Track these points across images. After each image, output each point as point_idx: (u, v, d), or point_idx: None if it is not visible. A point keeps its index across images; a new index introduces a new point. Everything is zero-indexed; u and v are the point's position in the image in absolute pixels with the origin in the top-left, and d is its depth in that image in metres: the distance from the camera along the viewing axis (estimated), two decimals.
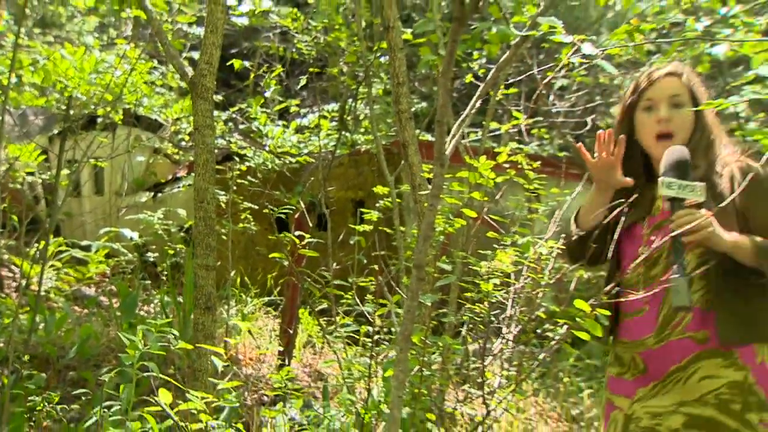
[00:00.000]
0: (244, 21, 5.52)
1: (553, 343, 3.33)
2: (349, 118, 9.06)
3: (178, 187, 10.18)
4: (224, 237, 6.19)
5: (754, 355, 2.39)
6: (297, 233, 3.88)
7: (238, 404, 3.55)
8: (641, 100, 2.63)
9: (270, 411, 2.79)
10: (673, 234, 2.33)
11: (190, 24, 7.44)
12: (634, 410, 2.55)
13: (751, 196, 2.42)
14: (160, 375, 2.54)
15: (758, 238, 2.38)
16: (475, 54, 5.96)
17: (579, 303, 2.88)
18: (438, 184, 2.58)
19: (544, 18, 2.98)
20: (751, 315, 2.42)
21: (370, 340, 3.50)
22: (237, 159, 7.95)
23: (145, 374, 2.58)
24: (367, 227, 3.79)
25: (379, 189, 4.43)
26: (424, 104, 10.54)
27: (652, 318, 2.52)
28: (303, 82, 7.02)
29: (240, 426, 2.36)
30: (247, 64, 6.24)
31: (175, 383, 2.56)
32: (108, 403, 2.79)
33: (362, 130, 8.36)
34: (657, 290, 2.42)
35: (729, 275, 2.41)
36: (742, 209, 2.45)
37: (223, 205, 6.33)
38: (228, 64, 5.96)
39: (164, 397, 2.30)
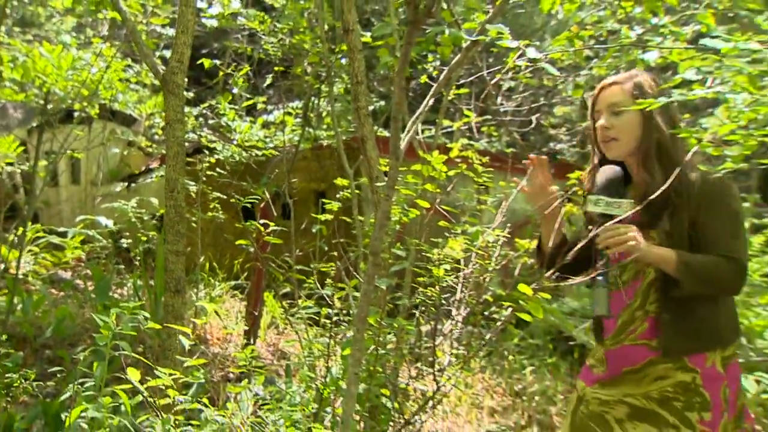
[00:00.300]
0: (213, 23, 5.46)
1: (498, 324, 3.34)
2: (312, 115, 9.04)
3: (151, 177, 10.07)
4: (194, 225, 6.15)
5: (704, 359, 2.41)
6: (262, 221, 3.86)
7: (204, 380, 3.53)
8: (594, 111, 2.64)
9: (235, 387, 2.76)
10: (599, 247, 2.37)
11: (163, 26, 7.37)
12: (586, 393, 2.58)
13: (704, 211, 2.42)
14: (132, 354, 2.51)
15: (683, 253, 2.37)
16: (430, 57, 5.96)
17: (522, 287, 2.90)
18: (393, 176, 2.57)
19: (493, 24, 2.98)
20: (694, 326, 2.42)
21: (329, 321, 3.49)
22: (207, 152, 7.91)
23: (118, 353, 2.55)
24: (329, 216, 3.77)
25: (340, 181, 4.41)
26: (382, 103, 10.53)
27: (615, 321, 2.54)
28: (269, 81, 6.97)
29: (206, 401, 2.34)
30: (216, 63, 6.18)
31: (146, 361, 2.53)
32: (82, 380, 2.75)
33: (324, 126, 8.34)
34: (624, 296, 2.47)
35: (673, 286, 2.41)
36: (693, 219, 2.43)
37: (193, 195, 6.30)
38: (198, 63, 5.91)
39: (134, 374, 2.27)
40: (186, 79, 7.16)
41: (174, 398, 2.25)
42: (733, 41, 2.49)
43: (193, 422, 2.21)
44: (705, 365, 2.40)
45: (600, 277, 2.38)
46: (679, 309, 2.43)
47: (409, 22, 2.54)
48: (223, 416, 2.30)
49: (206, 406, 2.29)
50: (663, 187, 2.38)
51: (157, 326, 2.66)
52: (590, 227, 2.50)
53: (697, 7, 4.19)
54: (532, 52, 2.82)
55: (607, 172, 2.51)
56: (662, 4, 4.22)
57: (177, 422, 2.22)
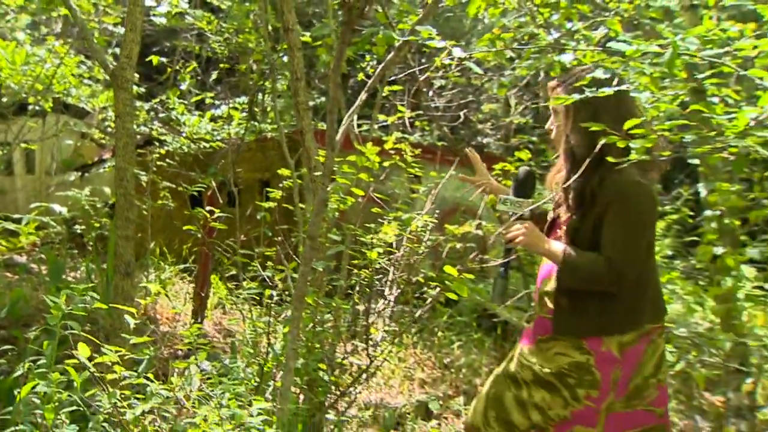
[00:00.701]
0: (162, 21, 5.36)
1: (427, 303, 3.37)
2: (257, 109, 8.96)
3: (104, 167, 9.86)
4: (144, 212, 6.05)
5: (600, 343, 2.47)
6: (208, 208, 3.81)
7: (153, 357, 3.49)
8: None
9: (181, 362, 2.73)
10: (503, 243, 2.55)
11: (115, 24, 7.22)
12: (515, 354, 2.67)
13: (610, 212, 2.46)
14: (81, 333, 2.46)
15: (570, 253, 2.46)
16: (367, 57, 5.94)
17: (448, 269, 2.92)
18: (329, 166, 2.57)
19: (423, 26, 2.99)
20: (584, 312, 2.50)
21: (271, 301, 3.47)
22: (157, 144, 7.79)
23: (68, 332, 2.50)
24: (272, 204, 3.74)
25: (282, 171, 4.37)
26: (322, 99, 10.45)
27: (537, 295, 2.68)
28: (214, 77, 6.90)
29: (151, 375, 2.30)
30: (165, 60, 6.09)
31: (94, 339, 2.48)
32: (34, 357, 2.70)
33: (269, 120, 8.28)
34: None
35: None
36: (600, 217, 2.48)
37: (144, 185, 6.20)
38: (147, 60, 5.81)
39: (83, 351, 2.23)
40: (137, 75, 7.06)
41: (120, 374, 2.21)
42: (636, 44, 2.54)
43: (138, 396, 2.18)
44: (600, 349, 2.47)
45: (501, 269, 2.52)
46: (573, 295, 2.52)
47: (343, 23, 2.54)
48: (168, 390, 2.27)
49: (151, 380, 2.25)
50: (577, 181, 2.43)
51: (103, 306, 2.61)
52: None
53: (606, 14, 4.26)
54: (458, 52, 2.83)
55: (520, 173, 2.61)
56: (576, 12, 4.30)
57: (123, 396, 2.19)
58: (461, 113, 7.88)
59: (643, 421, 2.51)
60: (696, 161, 4.31)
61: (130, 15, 3.90)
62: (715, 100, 2.84)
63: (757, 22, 2.70)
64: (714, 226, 4.58)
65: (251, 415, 2.27)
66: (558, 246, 2.49)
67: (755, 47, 2.45)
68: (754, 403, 4.28)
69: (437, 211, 3.76)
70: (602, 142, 2.43)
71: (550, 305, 2.57)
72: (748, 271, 5.78)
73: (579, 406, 2.46)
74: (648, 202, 2.51)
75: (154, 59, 5.74)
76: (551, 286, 2.58)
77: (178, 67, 6.54)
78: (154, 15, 5.33)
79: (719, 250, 4.52)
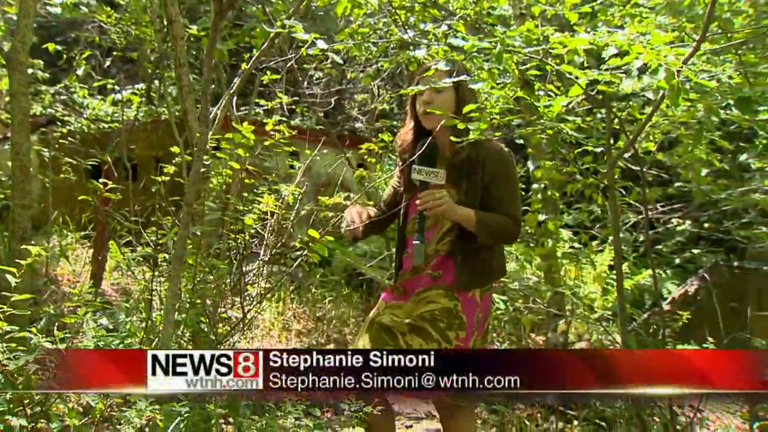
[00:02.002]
0: (57, 11, 5.03)
1: (296, 262, 3.33)
2: (154, 94, 8.64)
3: (8, 144, 9.26)
4: (47, 185, 5.76)
5: (467, 291, 2.52)
6: (102, 181, 3.63)
7: (50, 313, 3.32)
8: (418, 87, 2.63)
9: (70, 317, 2.59)
10: (419, 209, 2.46)
11: (16, 14, 6.76)
12: (383, 310, 2.61)
13: (494, 176, 2.53)
14: None
15: (481, 213, 2.48)
16: (255, 51, 5.80)
17: (311, 231, 2.91)
18: (203, 140, 2.49)
19: (290, 21, 2.93)
20: (479, 266, 2.55)
21: (154, 263, 3.34)
22: (59, 123, 7.40)
23: None
24: (165, 178, 3.59)
25: (174, 149, 4.22)
26: (213, 87, 10.17)
27: (410, 260, 2.61)
28: (108, 63, 6.60)
29: (34, 329, 2.17)
30: (62, 48, 5.76)
31: None
32: None
33: (166, 104, 8.02)
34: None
35: (466, 235, 2.52)
36: (486, 185, 2.53)
37: (47, 160, 5.90)
38: (44, 46, 5.49)
39: None
40: (42, 62, 6.65)
41: (3, 328, 2.07)
42: (472, 41, 2.58)
43: (21, 348, 2.05)
44: (467, 295, 2.52)
45: (416, 234, 2.48)
46: (470, 253, 2.54)
47: (215, 13, 2.45)
48: (51, 342, 2.15)
49: (34, 334, 2.13)
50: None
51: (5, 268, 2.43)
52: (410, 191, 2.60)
53: (453, 18, 4.33)
54: (321, 43, 2.80)
55: (426, 145, 2.55)
56: (429, 15, 4.35)
57: (9, 348, 2.05)
58: (332, 100, 7.87)
59: None
60: (521, 141, 4.46)
61: (23, 2, 3.66)
62: (541, 93, 2.94)
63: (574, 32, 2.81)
64: (539, 197, 4.77)
65: None
66: (468, 210, 2.49)
67: (564, 46, 2.55)
68: (566, 340, 4.51)
69: (309, 184, 3.72)
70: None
71: (431, 263, 2.57)
72: (565, 234, 6.07)
73: (450, 347, 2.49)
74: (515, 163, 2.64)
75: (50, 46, 5.41)
76: (432, 248, 2.58)
77: (74, 54, 6.20)
78: (48, 5, 5.00)
79: (543, 217, 4.72)
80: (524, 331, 4.83)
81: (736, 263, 5.48)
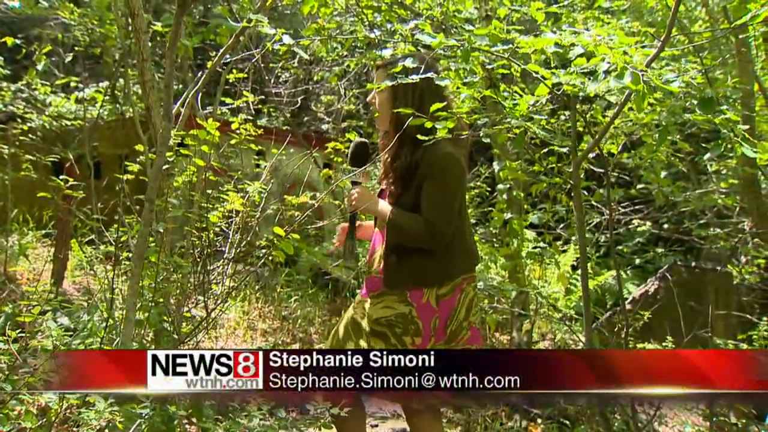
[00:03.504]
0: (15, 5, 4.86)
1: (260, 261, 3.25)
2: (118, 92, 8.44)
3: None
4: (6, 183, 5.57)
5: (421, 296, 2.47)
6: (62, 178, 3.50)
7: (10, 313, 3.18)
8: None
9: (28, 316, 2.48)
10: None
11: None
12: (359, 303, 2.62)
13: (427, 180, 2.47)
14: None
15: (396, 212, 2.48)
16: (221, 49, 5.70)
17: (276, 229, 2.84)
18: (165, 135, 2.40)
19: (256, 15, 2.85)
20: (410, 266, 2.49)
21: (115, 260, 3.24)
22: (20, 120, 7.20)
23: None
24: (129, 176, 3.48)
25: (139, 146, 4.10)
26: (180, 86, 9.99)
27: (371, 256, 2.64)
28: (69, 59, 6.43)
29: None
30: (18, 42, 5.59)
31: None
32: None
33: (129, 103, 7.85)
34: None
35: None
36: (419, 185, 2.48)
37: (6, 157, 5.70)
38: (1, 40, 5.32)
39: None
40: (1, 59, 6.44)
41: None
42: (438, 38, 2.54)
43: None
44: (421, 301, 2.47)
45: (348, 233, 2.60)
46: (399, 253, 2.50)
47: (178, 6, 2.37)
48: (2, 341, 2.05)
49: None
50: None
51: None
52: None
53: (419, 18, 4.28)
54: (287, 39, 2.73)
55: (353, 146, 2.58)
56: (395, 15, 4.30)
57: None
58: (298, 99, 7.79)
59: None
60: (488, 140, 4.44)
61: None
62: (506, 94, 2.91)
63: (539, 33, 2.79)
64: (505, 197, 4.76)
65: None
66: (387, 206, 2.51)
67: (530, 46, 2.52)
68: (530, 339, 4.50)
69: (282, 185, 3.65)
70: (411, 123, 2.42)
71: (379, 265, 2.54)
72: (529, 234, 6.08)
73: None
74: (458, 170, 2.52)
75: (9, 40, 5.24)
76: (381, 249, 2.55)
77: (33, 48, 6.01)
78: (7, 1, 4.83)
79: (508, 216, 4.70)
80: (489, 330, 4.81)
81: (693, 263, 5.53)
